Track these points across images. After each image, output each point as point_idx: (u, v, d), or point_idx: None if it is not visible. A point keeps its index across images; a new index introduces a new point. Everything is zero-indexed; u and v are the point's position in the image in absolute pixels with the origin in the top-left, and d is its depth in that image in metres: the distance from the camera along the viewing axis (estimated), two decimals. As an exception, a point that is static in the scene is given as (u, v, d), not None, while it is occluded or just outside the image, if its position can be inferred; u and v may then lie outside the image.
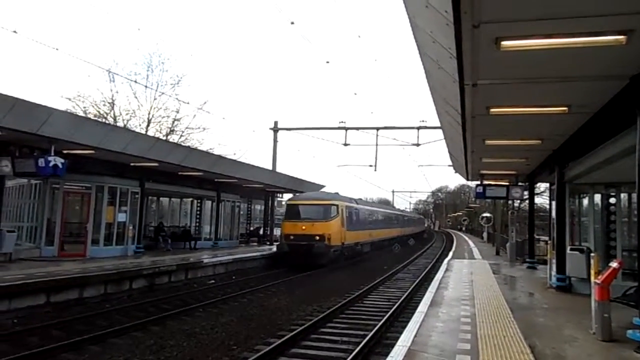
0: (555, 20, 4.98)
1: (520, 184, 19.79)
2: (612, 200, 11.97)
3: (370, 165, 29.56)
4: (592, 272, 7.99)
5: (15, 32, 12.57)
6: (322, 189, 28.63)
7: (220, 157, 20.97)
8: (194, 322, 11.45)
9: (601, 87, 7.06)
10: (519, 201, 32.16)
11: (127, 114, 27.38)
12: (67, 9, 66.66)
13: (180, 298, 14.53)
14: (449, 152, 16.92)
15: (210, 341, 9.89)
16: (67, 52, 64.84)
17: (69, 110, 21.73)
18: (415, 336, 7.30)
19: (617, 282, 8.08)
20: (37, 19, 67.81)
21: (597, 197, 12.73)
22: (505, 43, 5.44)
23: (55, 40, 70.45)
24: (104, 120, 24.79)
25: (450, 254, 27.15)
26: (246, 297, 15.09)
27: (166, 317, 11.74)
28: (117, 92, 27.44)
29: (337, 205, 25.02)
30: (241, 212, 31.75)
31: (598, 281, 7.43)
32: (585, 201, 13.88)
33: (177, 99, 27.95)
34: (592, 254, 9.03)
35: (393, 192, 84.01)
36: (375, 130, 26.09)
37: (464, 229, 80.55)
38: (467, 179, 23.84)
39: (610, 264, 7.64)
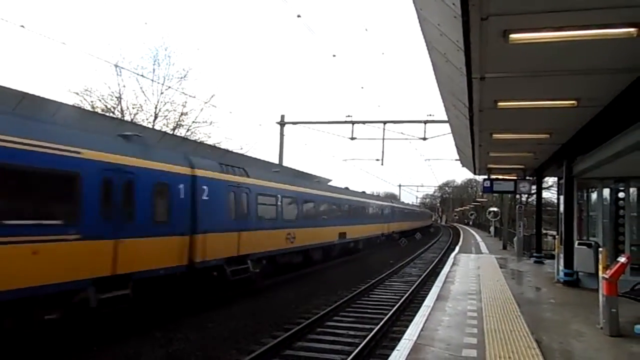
0: (565, 12, 4.92)
1: (528, 178, 19.69)
2: (621, 194, 11.85)
3: (377, 160, 29.35)
4: (600, 266, 7.96)
5: (22, 26, 12.52)
6: (330, 182, 28.04)
7: (227, 150, 20.98)
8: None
9: (611, 80, 6.98)
10: (526, 195, 31.96)
11: (134, 108, 27.34)
12: (74, 3, 66.83)
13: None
14: (457, 146, 16.85)
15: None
16: (74, 47, 64.76)
17: (76, 105, 21.76)
18: (421, 330, 7.32)
19: (625, 277, 8.06)
20: (44, 14, 68.06)
21: (606, 192, 12.62)
22: (514, 36, 5.39)
23: (63, 35, 70.57)
24: (111, 114, 24.79)
25: (457, 248, 27.11)
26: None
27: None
28: (124, 86, 27.29)
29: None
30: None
31: (606, 276, 7.39)
32: (594, 195, 13.77)
33: (183, 92, 27.75)
34: (600, 249, 8.97)
35: (400, 186, 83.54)
36: (382, 124, 25.86)
37: (471, 223, 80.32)
38: (475, 173, 23.72)
39: (619, 259, 7.60)
